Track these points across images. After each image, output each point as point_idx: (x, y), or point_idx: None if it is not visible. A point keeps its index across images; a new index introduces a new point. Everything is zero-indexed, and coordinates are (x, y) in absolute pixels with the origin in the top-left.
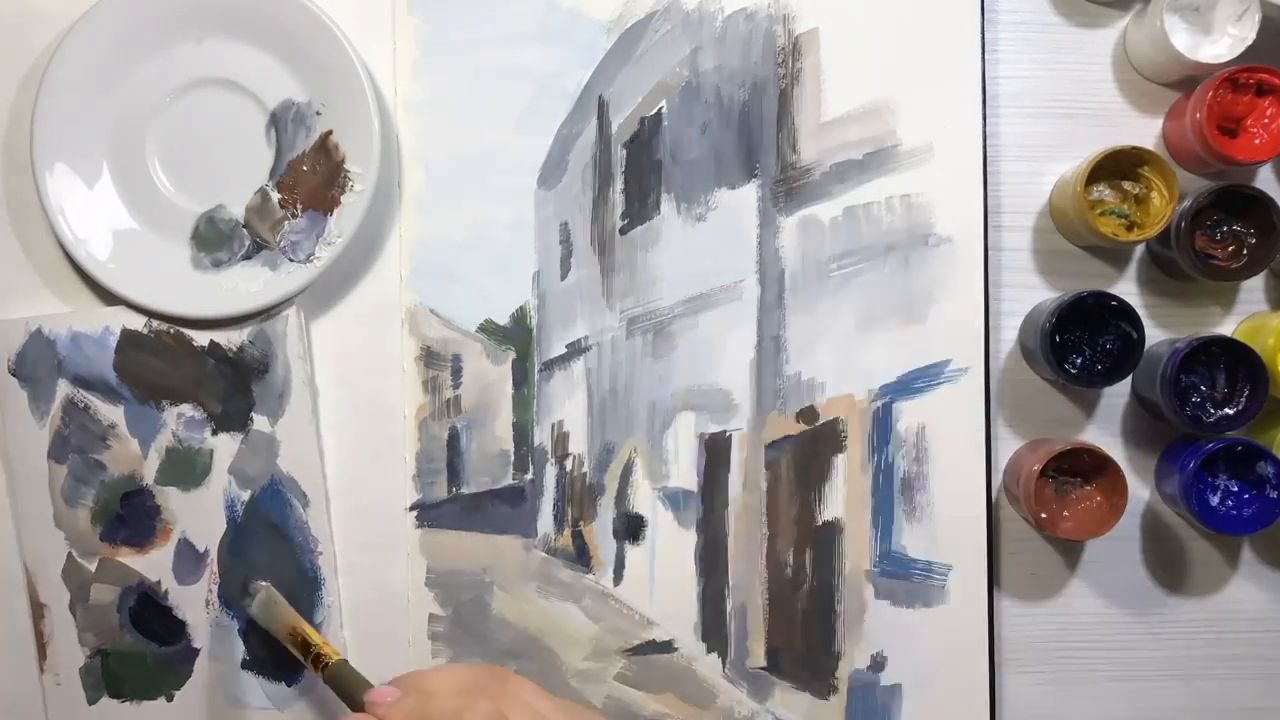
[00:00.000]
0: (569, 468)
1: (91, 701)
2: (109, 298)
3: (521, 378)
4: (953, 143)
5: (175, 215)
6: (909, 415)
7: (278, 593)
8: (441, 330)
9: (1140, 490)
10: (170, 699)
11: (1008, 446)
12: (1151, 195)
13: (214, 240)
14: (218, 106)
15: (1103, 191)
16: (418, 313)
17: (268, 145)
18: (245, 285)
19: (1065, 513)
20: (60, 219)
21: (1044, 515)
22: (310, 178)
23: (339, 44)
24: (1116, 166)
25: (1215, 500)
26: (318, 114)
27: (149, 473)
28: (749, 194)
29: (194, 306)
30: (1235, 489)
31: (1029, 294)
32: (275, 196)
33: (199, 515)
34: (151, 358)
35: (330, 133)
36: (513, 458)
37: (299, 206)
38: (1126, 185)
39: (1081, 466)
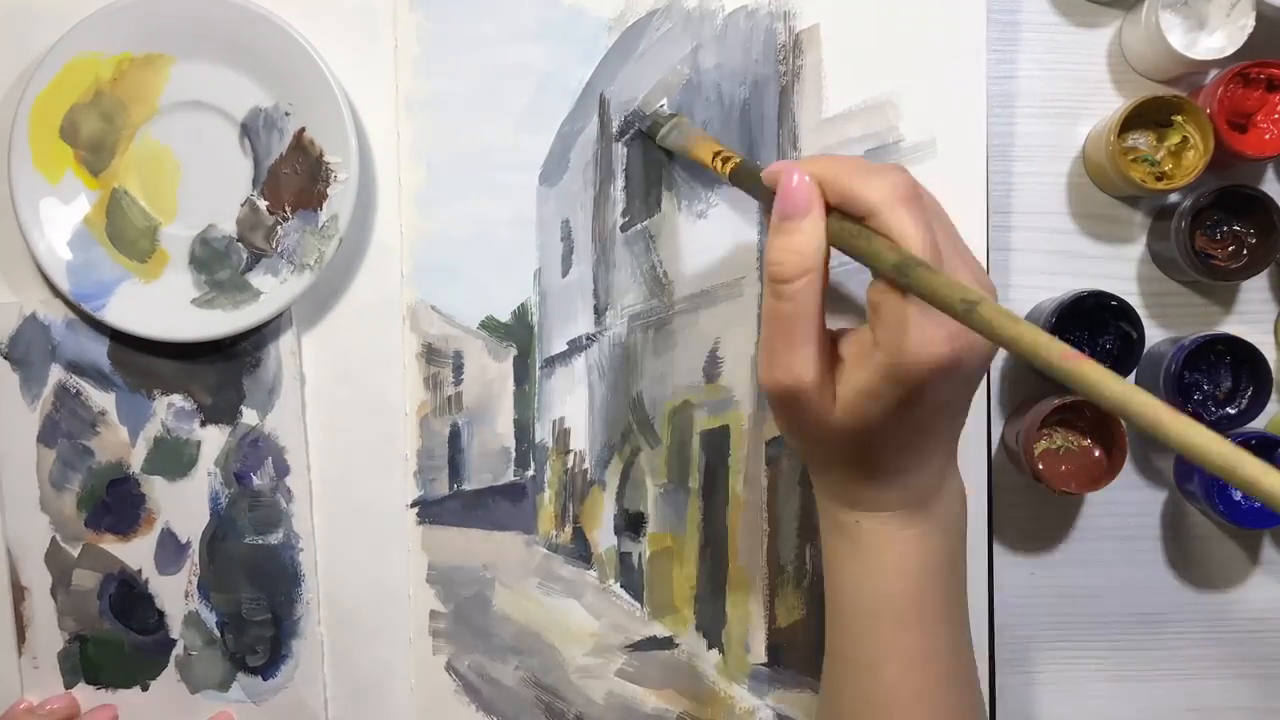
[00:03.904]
0: (570, 464)
1: (68, 686)
2: None
3: (523, 374)
4: (956, 139)
5: (167, 245)
6: None
7: (688, 122)
8: (443, 327)
9: (1142, 488)
10: (145, 689)
11: None
12: (1186, 150)
13: (211, 261)
14: (187, 128)
15: (1138, 140)
16: (419, 309)
17: (244, 156)
18: None
19: (1063, 467)
20: (62, 279)
21: (1041, 468)
22: (293, 178)
23: (294, 41)
24: (1153, 116)
25: (1239, 495)
26: (287, 114)
27: (136, 461)
28: None
29: (205, 329)
30: None
31: (1029, 294)
32: (263, 204)
33: (183, 506)
34: (145, 347)
35: (303, 130)
36: (514, 454)
37: (288, 209)
38: (1159, 137)
39: (1081, 423)
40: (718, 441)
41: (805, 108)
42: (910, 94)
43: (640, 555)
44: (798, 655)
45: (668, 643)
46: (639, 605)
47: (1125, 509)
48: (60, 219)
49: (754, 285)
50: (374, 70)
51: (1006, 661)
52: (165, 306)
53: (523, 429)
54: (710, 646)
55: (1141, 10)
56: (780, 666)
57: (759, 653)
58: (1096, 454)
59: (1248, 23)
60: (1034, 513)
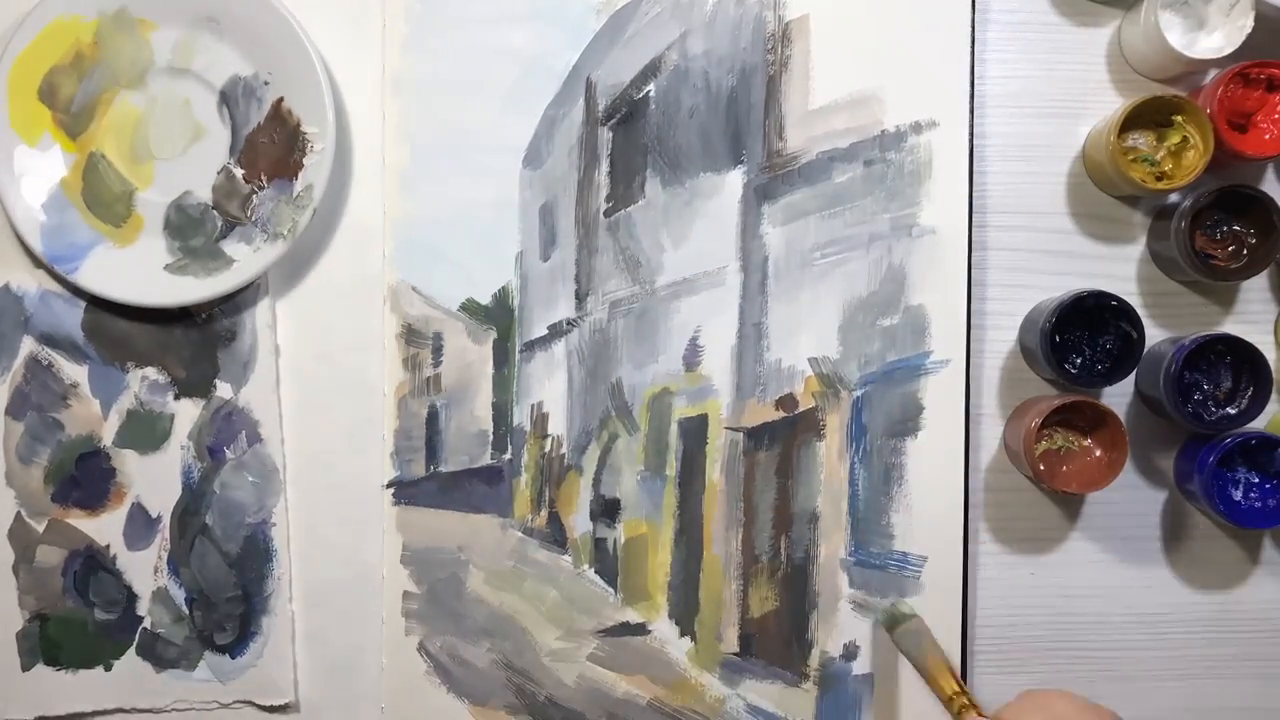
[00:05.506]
0: (548, 448)
1: (26, 669)
2: None
3: (502, 358)
4: (940, 134)
5: (142, 210)
6: (888, 405)
7: (928, 628)
8: (423, 308)
9: (1142, 488)
10: (109, 668)
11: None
12: (1186, 150)
13: (186, 227)
14: (166, 94)
15: (1138, 140)
16: (400, 290)
17: (222, 124)
18: None
19: (1064, 467)
20: (36, 240)
21: (1043, 468)
22: (270, 148)
23: (274, 10)
24: (1152, 116)
25: (1238, 495)
26: (266, 84)
27: (108, 434)
28: (734, 180)
29: (178, 295)
30: (1256, 480)
31: (1029, 294)
32: (239, 173)
33: (155, 480)
34: (120, 319)
35: (281, 99)
36: (491, 437)
37: (264, 178)
38: (1159, 137)
39: (1082, 423)
40: (696, 429)
41: (792, 98)
42: (896, 88)
43: (615, 541)
44: (769, 646)
45: (640, 629)
46: (613, 591)
47: (1125, 509)
48: (36, 181)
49: (736, 274)
50: (362, 48)
51: (1006, 660)
52: (138, 271)
53: (501, 412)
54: (682, 634)
55: (1141, 10)
56: (752, 656)
57: (731, 642)
58: (1096, 454)
59: (1247, 23)
60: (1034, 513)
